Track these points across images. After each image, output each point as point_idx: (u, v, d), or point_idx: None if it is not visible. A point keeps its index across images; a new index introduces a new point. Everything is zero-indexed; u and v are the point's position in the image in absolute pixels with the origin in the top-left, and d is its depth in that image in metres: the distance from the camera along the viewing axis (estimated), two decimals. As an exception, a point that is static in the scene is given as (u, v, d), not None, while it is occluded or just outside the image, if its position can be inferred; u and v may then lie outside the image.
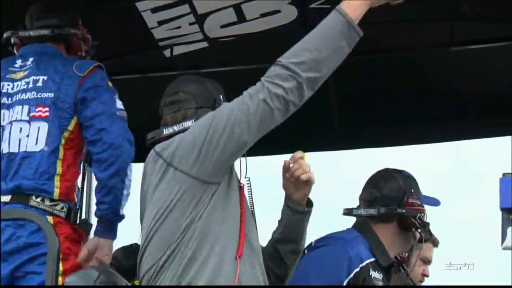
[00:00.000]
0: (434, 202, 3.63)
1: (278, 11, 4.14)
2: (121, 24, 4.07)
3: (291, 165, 3.00)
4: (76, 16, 3.51)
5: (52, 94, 3.28)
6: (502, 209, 2.17)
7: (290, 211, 3.04)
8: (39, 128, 3.25)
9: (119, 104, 3.33)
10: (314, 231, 3.54)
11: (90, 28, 3.52)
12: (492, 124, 4.41)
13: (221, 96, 3.00)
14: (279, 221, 3.12)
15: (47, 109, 3.27)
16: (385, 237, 3.48)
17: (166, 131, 2.93)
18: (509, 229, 2.17)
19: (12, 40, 3.48)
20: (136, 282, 4.26)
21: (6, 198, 3.20)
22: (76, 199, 3.31)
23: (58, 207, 3.21)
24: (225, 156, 2.69)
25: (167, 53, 4.41)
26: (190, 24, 4.22)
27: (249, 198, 2.90)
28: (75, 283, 2.90)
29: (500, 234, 2.19)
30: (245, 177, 2.85)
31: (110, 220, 3.21)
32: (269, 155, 4.70)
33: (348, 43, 2.78)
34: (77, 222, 3.28)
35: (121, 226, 3.50)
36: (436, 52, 4.24)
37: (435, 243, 3.98)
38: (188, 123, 2.89)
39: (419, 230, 3.45)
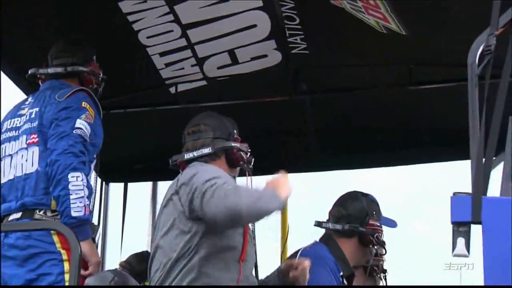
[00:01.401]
0: (392, 224, 3.69)
1: (265, 55, 4.19)
2: (134, 65, 4.11)
3: (293, 273, 3.00)
4: (89, 54, 3.52)
5: (37, 122, 3.31)
6: (453, 223, 2.22)
7: (279, 281, 3.07)
8: (33, 152, 3.28)
9: (79, 123, 3.24)
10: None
11: (107, 68, 3.56)
12: (446, 150, 4.47)
13: (235, 131, 3.06)
14: (267, 277, 3.12)
15: (36, 135, 3.29)
16: (347, 250, 3.52)
17: (187, 156, 3.03)
18: (458, 239, 2.21)
19: (38, 76, 3.51)
20: (147, 283, 4.28)
21: (17, 215, 3.24)
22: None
23: (59, 216, 3.18)
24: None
25: (172, 90, 4.43)
26: (192, 66, 4.25)
27: None
28: (94, 283, 2.91)
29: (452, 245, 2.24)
30: None
31: (70, 224, 3.09)
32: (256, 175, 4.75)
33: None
34: None
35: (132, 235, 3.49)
36: (396, 90, 4.29)
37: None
38: (205, 150, 2.97)
39: (375, 247, 3.50)
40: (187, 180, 2.84)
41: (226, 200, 2.64)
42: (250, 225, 2.94)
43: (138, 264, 4.42)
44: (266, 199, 2.67)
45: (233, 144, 3.07)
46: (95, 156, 3.38)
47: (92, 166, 3.37)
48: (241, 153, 3.10)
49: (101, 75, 3.55)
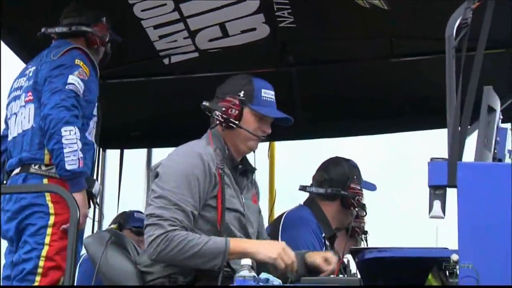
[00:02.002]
0: (371, 187, 3.71)
1: (254, 29, 4.17)
2: (130, 38, 4.08)
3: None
4: (98, 15, 3.46)
5: (32, 80, 3.28)
6: (430, 186, 2.23)
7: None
8: (29, 109, 3.27)
9: (71, 79, 3.19)
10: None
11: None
12: (424, 119, 4.48)
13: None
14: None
15: (31, 93, 3.27)
16: (329, 212, 3.54)
17: None
18: (435, 202, 2.23)
19: (51, 35, 3.44)
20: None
21: (17, 170, 3.24)
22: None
23: (53, 170, 3.18)
24: None
25: (166, 61, 4.41)
26: (184, 38, 4.23)
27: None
28: (92, 243, 2.90)
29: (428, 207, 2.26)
30: None
31: (65, 177, 3.11)
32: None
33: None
34: None
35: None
36: (378, 62, 4.29)
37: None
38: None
39: (356, 209, 3.52)
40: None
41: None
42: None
43: (126, 222, 4.48)
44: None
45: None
46: (94, 114, 3.35)
47: (92, 123, 3.33)
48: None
49: (108, 37, 3.48)
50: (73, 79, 3.18)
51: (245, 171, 3.02)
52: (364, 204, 3.64)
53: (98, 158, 4.65)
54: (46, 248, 3.11)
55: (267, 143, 4.87)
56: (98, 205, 3.51)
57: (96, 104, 3.38)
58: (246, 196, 2.97)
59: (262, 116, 2.96)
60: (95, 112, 3.37)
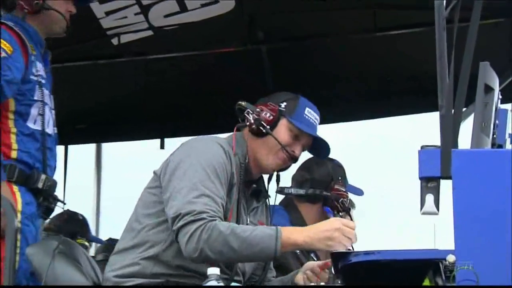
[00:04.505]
0: (358, 192, 3.73)
1: (216, 1, 4.15)
2: (71, 14, 4.04)
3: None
4: None
5: None
6: (421, 178, 2.25)
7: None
8: None
9: None
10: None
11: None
12: (413, 101, 4.52)
13: None
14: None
15: None
16: (309, 215, 3.56)
17: None
18: (427, 196, 2.25)
19: None
20: (79, 241, 4.28)
21: None
22: (13, 155, 3.20)
23: None
24: None
25: (114, 41, 4.38)
26: (136, 14, 4.20)
27: None
28: (36, 254, 2.89)
29: (420, 202, 2.28)
30: None
31: None
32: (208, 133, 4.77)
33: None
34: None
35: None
36: (359, 36, 4.30)
37: (351, 205, 3.99)
38: None
39: (340, 214, 3.53)
40: None
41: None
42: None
43: (65, 224, 4.48)
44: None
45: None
46: (37, 98, 3.31)
47: (35, 110, 3.28)
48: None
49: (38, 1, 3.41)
50: None
51: (257, 192, 3.08)
52: (349, 208, 3.65)
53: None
54: None
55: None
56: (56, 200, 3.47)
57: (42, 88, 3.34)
58: (251, 220, 3.03)
59: (297, 133, 3.02)
60: (38, 96, 3.34)
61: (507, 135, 2.59)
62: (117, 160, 6.56)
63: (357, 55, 4.38)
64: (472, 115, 2.40)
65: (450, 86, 2.25)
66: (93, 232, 4.94)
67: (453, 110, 2.26)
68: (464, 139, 2.36)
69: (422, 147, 2.28)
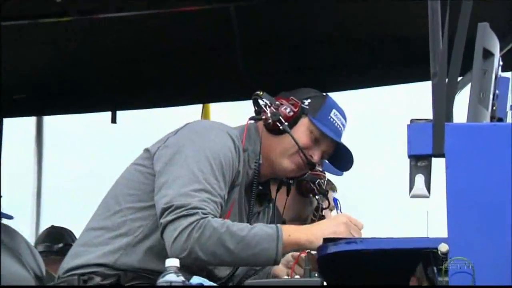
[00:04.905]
0: (336, 172, 3.73)
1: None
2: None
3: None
4: None
5: None
6: (410, 157, 2.26)
7: None
8: None
9: None
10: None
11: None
12: (401, 69, 4.52)
13: None
14: None
15: None
16: (279, 200, 3.55)
17: None
18: (417, 177, 2.26)
19: None
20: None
21: None
22: None
23: None
24: None
25: (58, -3, 4.32)
26: (83, -34, 4.16)
27: None
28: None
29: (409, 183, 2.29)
30: None
31: None
32: (168, 106, 4.76)
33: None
34: None
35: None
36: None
37: (333, 188, 4.02)
38: None
39: (316, 197, 3.52)
40: None
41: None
42: None
43: (56, 242, 4.49)
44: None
45: None
46: None
47: None
48: None
49: None
50: None
51: (263, 195, 3.10)
52: (327, 191, 3.64)
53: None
54: None
55: (200, 106, 4.87)
56: None
57: None
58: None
59: (318, 137, 3.03)
60: None
61: (508, 107, 2.61)
62: (61, 136, 6.52)
63: (337, 16, 4.36)
64: (469, 84, 2.41)
65: (444, 51, 2.25)
66: (33, 219, 4.92)
67: (447, 79, 2.27)
68: (460, 111, 2.37)
69: (411, 120, 2.29)
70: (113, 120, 4.91)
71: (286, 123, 2.98)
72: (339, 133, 3.09)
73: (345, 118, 3.13)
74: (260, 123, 3.03)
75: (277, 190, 3.33)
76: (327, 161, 3.31)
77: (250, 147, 2.97)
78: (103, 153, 6.88)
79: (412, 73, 4.41)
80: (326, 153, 3.08)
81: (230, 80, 4.70)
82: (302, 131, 3.02)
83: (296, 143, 2.96)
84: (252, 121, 3.05)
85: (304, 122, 3.03)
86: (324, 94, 3.09)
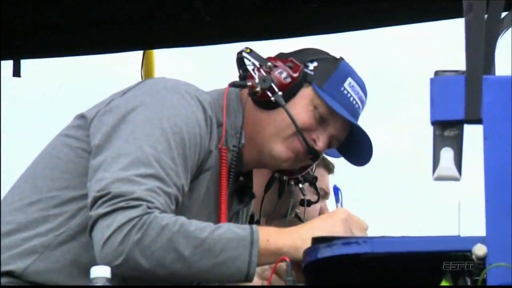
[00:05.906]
0: (332, 153, 3.76)
1: None
2: None
3: None
4: None
5: None
6: (433, 123, 2.27)
7: None
8: None
9: None
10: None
11: None
12: (423, 4, 4.57)
13: None
14: None
15: None
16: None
17: None
18: (443, 151, 2.28)
19: None
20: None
21: None
22: None
23: None
24: None
25: None
26: None
27: None
28: None
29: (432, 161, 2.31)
30: None
31: None
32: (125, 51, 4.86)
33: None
34: None
35: None
36: None
37: (329, 168, 4.12)
38: None
39: (300, 186, 3.53)
40: None
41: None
42: None
43: None
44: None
45: None
46: None
47: None
48: None
49: None
50: None
51: (244, 188, 3.10)
52: (316, 178, 3.66)
53: None
54: None
55: (141, 53, 4.93)
56: None
57: None
58: None
59: (325, 115, 3.00)
60: None
61: None
62: None
63: None
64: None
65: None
66: None
67: (485, 17, 2.29)
68: (502, 62, 2.40)
69: (436, 73, 2.31)
70: (17, 73, 4.93)
71: (280, 93, 2.96)
72: (355, 111, 3.06)
73: (365, 92, 3.08)
74: (245, 92, 3.00)
75: (267, 187, 3.38)
76: (336, 150, 3.31)
77: (230, 121, 2.97)
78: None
79: (436, 9, 4.47)
80: (335, 137, 3.05)
81: (191, 27, 4.75)
82: (302, 106, 2.99)
83: (294, 121, 2.94)
84: (234, 88, 3.02)
85: (306, 93, 3.00)
86: (338, 57, 3.05)
